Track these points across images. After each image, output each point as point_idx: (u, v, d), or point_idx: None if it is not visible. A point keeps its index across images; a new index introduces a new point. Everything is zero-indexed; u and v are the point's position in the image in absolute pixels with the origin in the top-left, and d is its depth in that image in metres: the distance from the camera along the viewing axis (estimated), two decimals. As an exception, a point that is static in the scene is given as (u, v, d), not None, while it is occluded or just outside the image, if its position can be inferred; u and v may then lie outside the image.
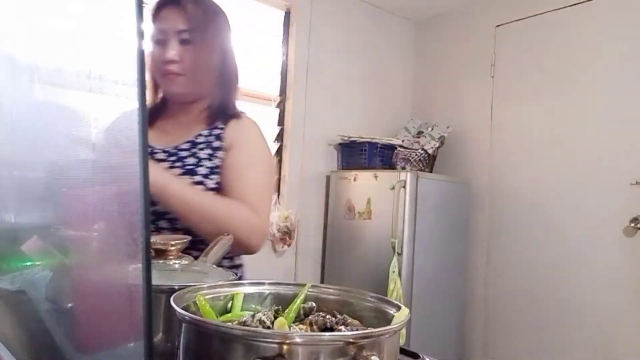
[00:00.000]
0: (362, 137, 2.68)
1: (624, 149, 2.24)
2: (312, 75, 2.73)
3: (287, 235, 2.52)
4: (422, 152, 2.71)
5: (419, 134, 2.90)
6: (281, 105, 2.68)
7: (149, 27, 1.09)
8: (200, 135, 1.12)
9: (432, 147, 2.74)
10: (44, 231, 0.74)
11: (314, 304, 0.70)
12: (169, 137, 1.14)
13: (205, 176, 1.07)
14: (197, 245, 0.92)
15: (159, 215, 1.03)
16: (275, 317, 0.63)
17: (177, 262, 0.84)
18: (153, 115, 1.18)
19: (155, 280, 0.72)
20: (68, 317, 0.63)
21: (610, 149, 2.29)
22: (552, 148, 2.50)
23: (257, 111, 2.64)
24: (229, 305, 0.70)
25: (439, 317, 2.57)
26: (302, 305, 0.70)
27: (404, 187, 2.37)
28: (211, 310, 0.65)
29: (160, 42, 1.08)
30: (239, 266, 1.16)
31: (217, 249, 0.96)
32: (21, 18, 0.80)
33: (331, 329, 0.62)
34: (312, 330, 0.62)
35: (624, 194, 2.22)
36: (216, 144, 1.11)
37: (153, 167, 0.97)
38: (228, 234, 0.99)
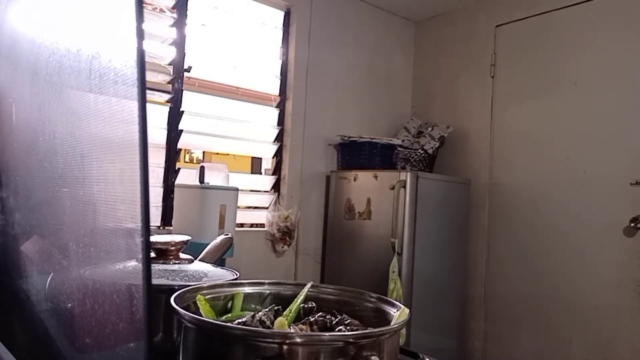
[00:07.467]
0: (362, 137, 2.68)
1: (624, 149, 2.24)
2: (312, 75, 2.73)
3: (287, 235, 2.52)
4: (422, 152, 2.71)
5: (419, 134, 2.90)
6: (281, 105, 2.67)
7: None
8: None
9: (432, 147, 2.74)
10: (44, 231, 0.74)
11: (314, 304, 0.70)
12: None
13: None
14: None
15: None
16: (275, 317, 0.63)
17: (177, 262, 0.84)
18: None
19: (155, 280, 0.72)
20: (68, 317, 0.62)
21: (610, 149, 2.29)
22: (552, 148, 2.50)
23: (257, 111, 2.64)
24: (229, 305, 0.70)
25: (439, 317, 2.56)
26: (302, 305, 0.70)
27: (404, 187, 2.37)
28: (211, 310, 0.65)
29: None
30: None
31: (217, 249, 0.96)
32: (21, 17, 0.80)
33: (331, 329, 0.62)
34: (312, 330, 0.62)
35: (624, 194, 2.21)
36: None
37: None
38: (228, 234, 0.99)
